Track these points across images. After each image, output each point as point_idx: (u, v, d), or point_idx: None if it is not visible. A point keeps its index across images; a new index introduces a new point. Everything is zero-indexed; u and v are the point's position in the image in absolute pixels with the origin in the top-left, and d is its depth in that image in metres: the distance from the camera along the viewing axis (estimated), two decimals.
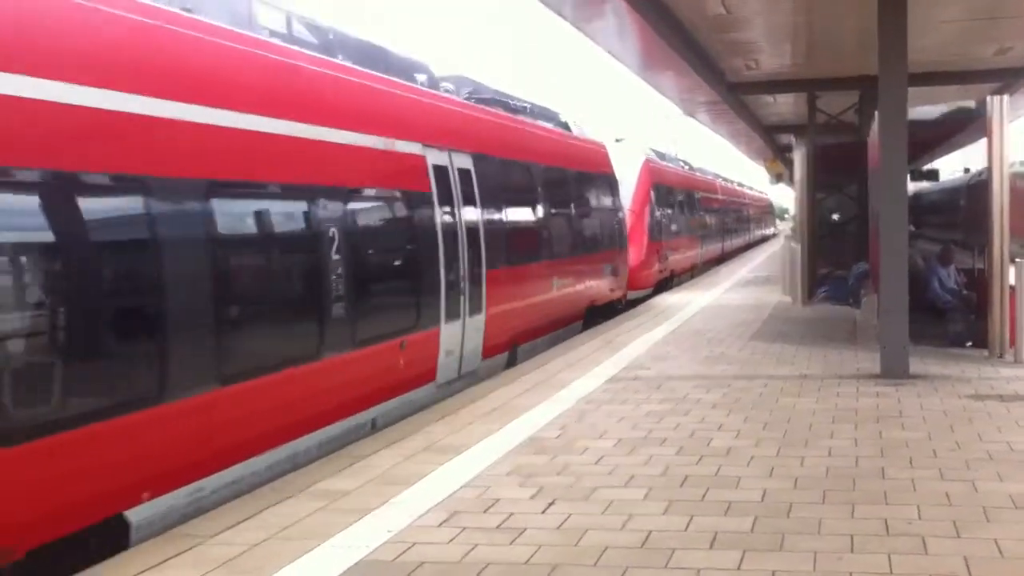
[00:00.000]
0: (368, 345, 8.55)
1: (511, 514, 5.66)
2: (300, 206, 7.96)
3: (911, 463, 6.54)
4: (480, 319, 11.18)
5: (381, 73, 9.93)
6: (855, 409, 8.35)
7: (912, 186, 22.99)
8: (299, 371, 7.57)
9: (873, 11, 10.35)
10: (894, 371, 9.85)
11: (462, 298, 10.64)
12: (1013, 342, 10.59)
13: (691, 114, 26.93)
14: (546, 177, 14.73)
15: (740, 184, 51.61)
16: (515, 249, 12.82)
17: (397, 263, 9.87)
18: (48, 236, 5.64)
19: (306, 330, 7.75)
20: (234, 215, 7.28)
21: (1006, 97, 10.89)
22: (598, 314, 16.71)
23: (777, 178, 39.69)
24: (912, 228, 13.50)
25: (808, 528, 5.27)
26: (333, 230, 8.11)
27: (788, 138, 29.07)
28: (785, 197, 72.72)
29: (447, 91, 12.32)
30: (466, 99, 12.90)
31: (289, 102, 7.88)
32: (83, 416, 5.54)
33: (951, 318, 12.03)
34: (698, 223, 31.52)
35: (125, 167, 6.13)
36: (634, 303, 19.47)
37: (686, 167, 33.76)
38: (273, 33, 8.53)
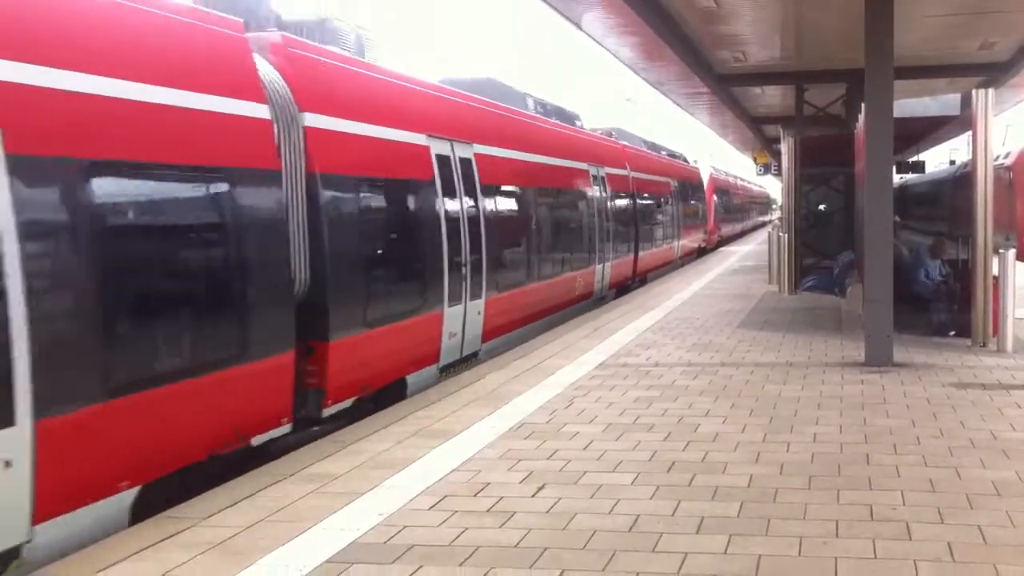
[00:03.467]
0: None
1: (501, 498, 5.72)
2: (659, 200, 25.79)
3: (895, 450, 6.62)
4: (677, 245, 27.73)
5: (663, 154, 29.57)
6: (840, 396, 8.43)
7: (897, 178, 23.16)
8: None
9: (860, 5, 10.40)
10: (878, 359, 9.94)
11: (678, 237, 27.80)
12: (996, 332, 10.69)
13: (680, 104, 27.05)
14: (692, 188, 32.65)
15: (748, 181, 66.32)
16: (687, 219, 30.09)
17: (668, 226, 26.16)
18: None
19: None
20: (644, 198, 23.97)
21: (991, 91, 10.97)
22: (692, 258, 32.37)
23: (764, 169, 40.04)
24: (897, 219, 13.58)
25: (794, 513, 5.34)
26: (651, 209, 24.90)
27: (776, 129, 29.20)
28: (776, 189, 73.70)
29: (663, 152, 29.77)
30: (665, 154, 30.37)
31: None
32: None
33: (935, 308, 12.13)
34: (733, 210, 49.99)
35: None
36: (703, 253, 35.02)
37: (723, 173, 49.17)
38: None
